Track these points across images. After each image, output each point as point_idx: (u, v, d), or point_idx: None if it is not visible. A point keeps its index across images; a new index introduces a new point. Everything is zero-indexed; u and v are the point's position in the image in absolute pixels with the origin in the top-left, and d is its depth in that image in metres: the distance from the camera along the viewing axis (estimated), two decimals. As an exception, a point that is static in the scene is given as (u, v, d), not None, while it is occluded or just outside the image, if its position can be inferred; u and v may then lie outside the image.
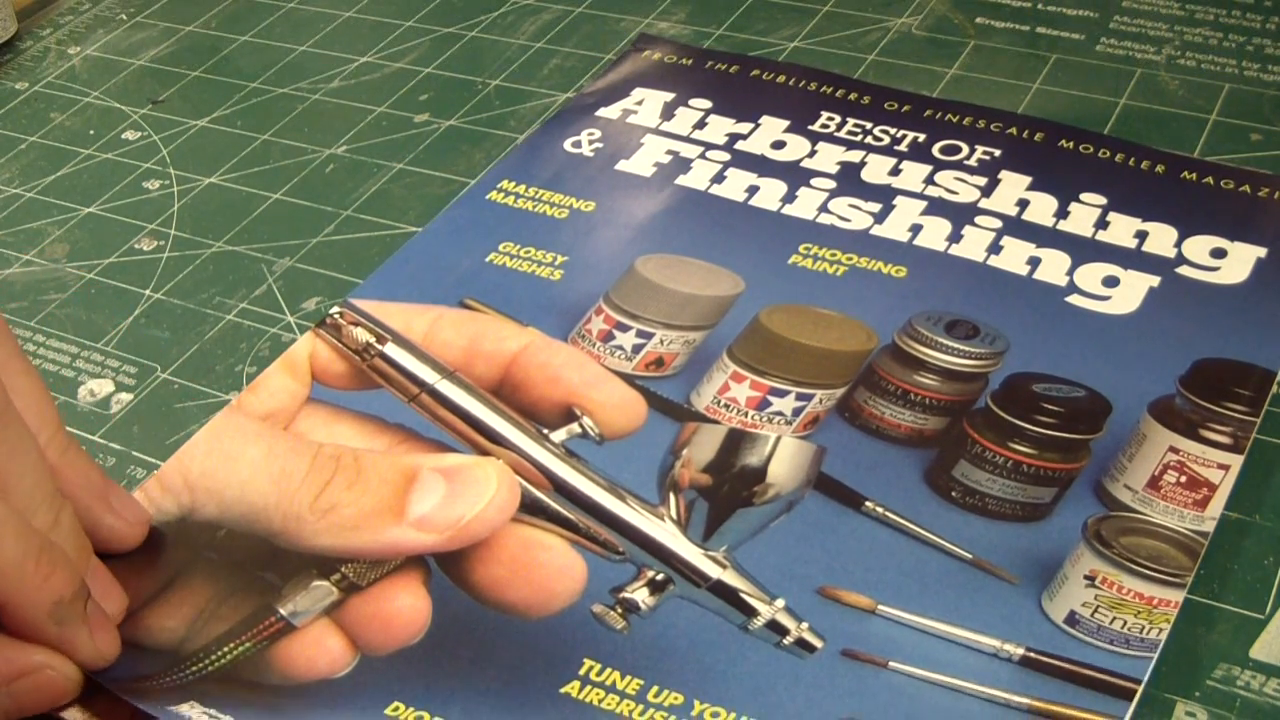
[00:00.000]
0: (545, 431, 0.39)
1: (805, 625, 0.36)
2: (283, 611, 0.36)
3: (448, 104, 0.59)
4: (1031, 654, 0.35)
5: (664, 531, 0.37)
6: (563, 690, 0.35)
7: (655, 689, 0.35)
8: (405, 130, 0.58)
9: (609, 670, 0.36)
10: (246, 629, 0.36)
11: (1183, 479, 0.38)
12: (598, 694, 0.35)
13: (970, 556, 0.38)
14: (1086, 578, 0.36)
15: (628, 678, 0.35)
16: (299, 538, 0.36)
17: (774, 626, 0.36)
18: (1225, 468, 0.39)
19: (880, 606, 0.36)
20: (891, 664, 0.35)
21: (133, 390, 0.47)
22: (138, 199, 0.56)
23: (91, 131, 0.61)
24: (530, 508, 0.37)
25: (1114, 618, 0.35)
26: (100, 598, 0.36)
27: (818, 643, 0.36)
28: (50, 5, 0.71)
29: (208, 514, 0.38)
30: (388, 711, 0.35)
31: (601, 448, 0.39)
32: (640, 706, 0.35)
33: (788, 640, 0.36)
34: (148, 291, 0.51)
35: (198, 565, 0.38)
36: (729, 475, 0.39)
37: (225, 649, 0.36)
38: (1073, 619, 0.36)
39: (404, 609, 0.36)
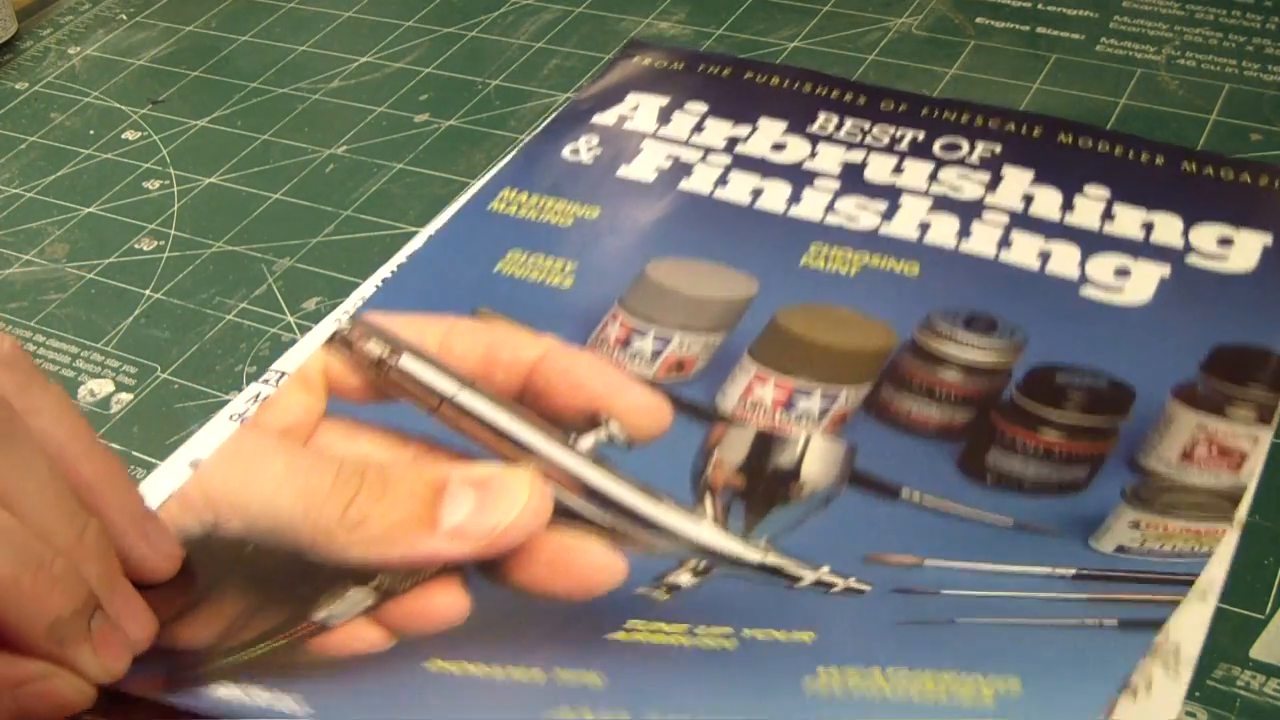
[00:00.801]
0: (572, 438, 0.38)
1: (853, 579, 0.36)
2: (317, 617, 0.36)
3: (448, 104, 0.59)
4: (1085, 571, 0.36)
5: (705, 530, 0.37)
6: (608, 636, 0.35)
7: (703, 626, 0.35)
8: (405, 130, 0.58)
9: (654, 621, 0.35)
10: (280, 631, 0.36)
11: (1214, 450, 0.39)
12: (644, 637, 0.35)
13: (1011, 522, 0.38)
14: (1131, 523, 0.37)
15: (674, 624, 0.35)
16: (330, 551, 0.36)
17: (820, 585, 0.36)
18: (1255, 439, 0.39)
19: (927, 561, 0.37)
20: (944, 592, 0.36)
21: (133, 390, 0.47)
22: (138, 199, 0.56)
23: (91, 131, 0.61)
24: (564, 514, 0.37)
25: (1163, 544, 0.36)
26: (126, 620, 0.35)
27: (865, 588, 0.36)
28: (50, 5, 0.71)
29: (233, 529, 0.37)
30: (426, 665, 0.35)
31: (629, 453, 0.39)
32: (689, 639, 0.35)
33: (834, 591, 0.36)
34: (148, 291, 0.51)
35: (228, 580, 0.37)
36: (763, 475, 0.39)
37: (258, 647, 0.35)
38: (1122, 549, 0.37)
39: (442, 606, 0.36)
